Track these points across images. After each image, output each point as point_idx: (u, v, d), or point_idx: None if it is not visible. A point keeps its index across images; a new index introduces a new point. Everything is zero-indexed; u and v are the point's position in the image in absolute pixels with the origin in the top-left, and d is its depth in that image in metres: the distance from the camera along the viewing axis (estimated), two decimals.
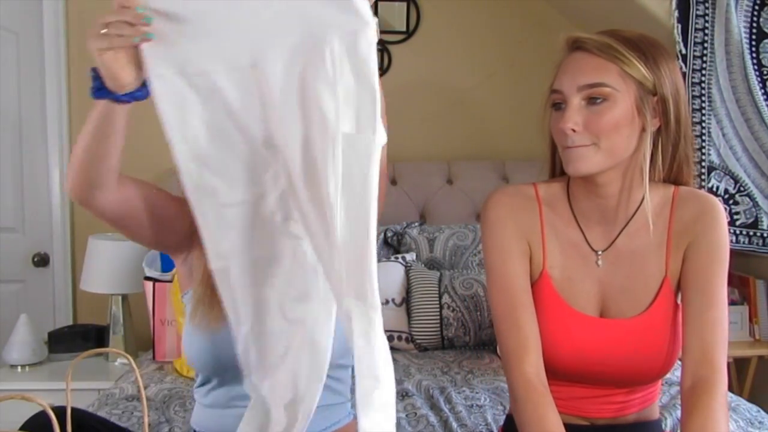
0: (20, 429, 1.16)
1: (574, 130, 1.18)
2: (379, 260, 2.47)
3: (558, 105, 1.22)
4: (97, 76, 1.02)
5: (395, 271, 2.50)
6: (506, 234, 1.28)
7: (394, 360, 2.27)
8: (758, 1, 2.42)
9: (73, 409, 1.05)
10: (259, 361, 1.08)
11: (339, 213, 0.96)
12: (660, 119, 1.21)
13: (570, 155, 1.20)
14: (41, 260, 2.95)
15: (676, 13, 2.50)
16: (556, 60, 1.25)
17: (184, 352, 1.38)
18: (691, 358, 1.20)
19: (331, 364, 1.29)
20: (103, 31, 0.97)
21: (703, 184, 2.49)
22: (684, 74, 2.48)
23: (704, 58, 2.49)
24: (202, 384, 1.37)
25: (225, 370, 1.28)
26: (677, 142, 1.23)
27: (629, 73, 1.18)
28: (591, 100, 1.18)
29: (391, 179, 2.97)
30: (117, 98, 1.03)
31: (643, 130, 1.20)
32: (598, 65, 1.18)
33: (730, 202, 2.49)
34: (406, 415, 1.84)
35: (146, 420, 1.01)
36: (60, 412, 0.95)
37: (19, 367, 2.57)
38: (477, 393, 1.96)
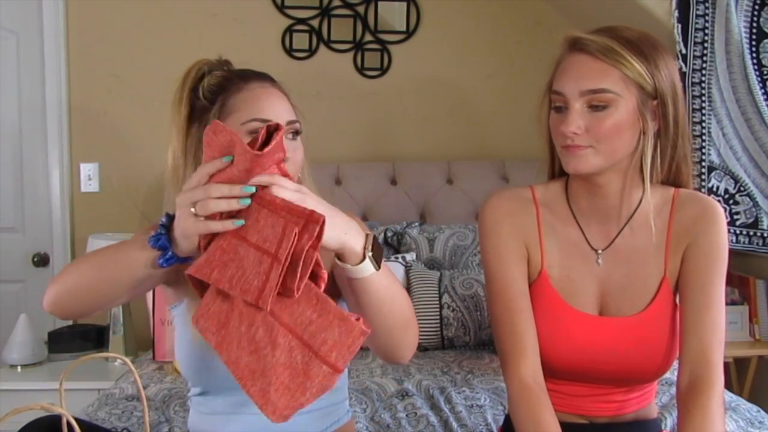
0: None
1: (576, 133, 1.18)
2: None
3: (559, 107, 1.22)
4: (164, 245, 1.04)
5: (395, 271, 2.50)
6: (503, 238, 1.28)
7: None
8: (758, 1, 2.42)
9: (79, 421, 1.05)
10: None
11: None
12: (659, 121, 1.21)
13: (569, 154, 1.20)
14: (41, 260, 2.95)
15: (676, 13, 2.50)
16: (554, 57, 1.25)
17: (178, 364, 1.35)
18: (689, 358, 1.21)
19: None
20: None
21: (703, 184, 2.49)
22: (684, 74, 2.48)
23: (704, 58, 2.49)
24: (198, 394, 1.35)
25: (222, 382, 1.27)
26: (676, 143, 1.23)
27: (630, 77, 1.17)
28: (593, 106, 1.18)
29: (391, 179, 2.97)
30: (182, 260, 1.05)
31: (643, 132, 1.20)
32: (601, 70, 1.18)
33: (730, 202, 2.49)
34: (406, 415, 1.84)
35: (146, 420, 1.01)
36: (57, 419, 0.94)
37: (19, 367, 2.57)
38: (477, 393, 1.96)
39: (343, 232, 1.01)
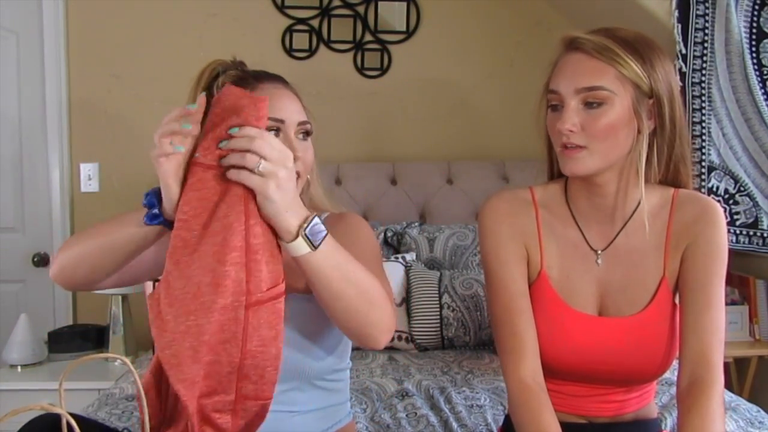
0: None
1: (571, 131, 1.19)
2: None
3: (555, 106, 1.23)
4: (151, 202, 1.06)
5: (395, 271, 2.50)
6: (502, 239, 1.29)
7: (395, 360, 2.30)
8: (758, 1, 2.42)
9: (80, 419, 1.05)
10: None
11: None
12: (655, 120, 1.22)
13: (566, 156, 1.21)
14: (41, 260, 2.95)
15: (676, 13, 2.50)
16: (552, 58, 1.26)
17: None
18: (689, 358, 1.21)
19: (330, 368, 1.29)
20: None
21: (703, 184, 2.49)
22: (684, 74, 2.49)
23: (704, 58, 2.49)
24: None
25: None
26: (672, 143, 1.24)
27: (626, 76, 1.18)
28: (588, 104, 1.19)
29: (391, 179, 2.97)
30: (166, 223, 1.06)
31: (639, 131, 1.21)
32: (596, 68, 1.18)
33: (730, 202, 2.49)
34: (406, 415, 1.84)
35: (146, 420, 1.01)
36: (57, 417, 0.94)
37: (19, 367, 2.57)
38: (477, 393, 1.96)
39: (285, 209, 1.00)
